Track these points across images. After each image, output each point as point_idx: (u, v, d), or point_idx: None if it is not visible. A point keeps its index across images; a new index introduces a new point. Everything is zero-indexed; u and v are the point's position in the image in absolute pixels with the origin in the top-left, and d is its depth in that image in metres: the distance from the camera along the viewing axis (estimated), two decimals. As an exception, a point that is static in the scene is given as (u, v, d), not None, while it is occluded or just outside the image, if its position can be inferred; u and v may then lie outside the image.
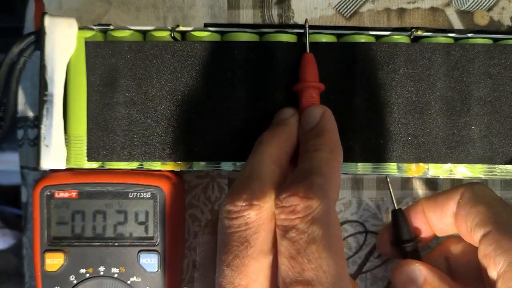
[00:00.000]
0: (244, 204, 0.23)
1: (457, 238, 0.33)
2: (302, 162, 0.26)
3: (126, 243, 0.33)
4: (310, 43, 0.31)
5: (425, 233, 0.33)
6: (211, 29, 0.32)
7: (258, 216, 0.23)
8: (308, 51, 0.31)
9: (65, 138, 0.32)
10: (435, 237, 0.34)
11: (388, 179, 0.34)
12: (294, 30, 0.32)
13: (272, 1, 0.38)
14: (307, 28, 0.31)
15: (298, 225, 0.22)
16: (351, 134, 0.32)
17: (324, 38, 0.32)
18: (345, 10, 0.37)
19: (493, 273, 0.27)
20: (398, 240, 0.33)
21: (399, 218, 0.33)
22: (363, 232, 0.38)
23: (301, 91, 0.30)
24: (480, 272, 0.29)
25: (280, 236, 0.23)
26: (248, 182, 0.24)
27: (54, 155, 0.32)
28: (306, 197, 0.23)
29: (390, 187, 0.34)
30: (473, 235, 0.29)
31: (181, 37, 0.33)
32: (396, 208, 0.33)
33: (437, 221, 0.32)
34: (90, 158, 0.32)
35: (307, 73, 0.30)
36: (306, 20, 0.31)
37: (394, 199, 0.34)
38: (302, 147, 0.27)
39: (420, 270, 0.30)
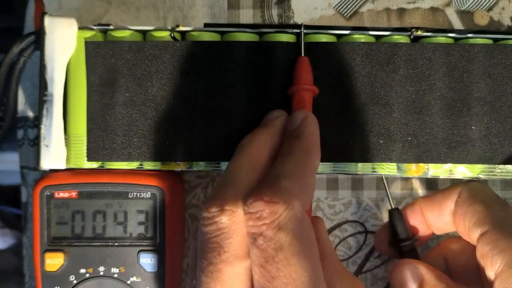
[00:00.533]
0: (216, 210, 0.23)
1: (455, 238, 0.33)
2: (274, 166, 0.25)
3: (126, 243, 0.33)
4: (310, 43, 0.31)
5: (423, 232, 0.33)
6: (211, 29, 0.32)
7: (230, 221, 0.23)
8: (303, 55, 0.31)
9: (65, 138, 0.32)
10: (433, 236, 0.34)
11: (384, 178, 0.34)
12: (294, 30, 0.32)
13: (272, 1, 0.38)
14: (302, 32, 0.31)
15: (265, 232, 0.22)
16: (351, 134, 0.32)
17: (324, 38, 0.32)
18: (345, 10, 0.37)
19: (490, 272, 0.27)
20: (395, 239, 0.33)
21: (396, 217, 0.33)
22: (363, 232, 0.38)
23: (293, 94, 0.30)
24: (478, 272, 0.29)
25: (250, 244, 0.22)
26: (223, 188, 0.24)
27: (54, 155, 0.32)
28: (271, 201, 0.22)
29: (387, 186, 0.34)
30: (471, 234, 0.29)
31: (181, 37, 0.33)
32: (393, 207, 0.33)
33: (435, 219, 0.32)
34: (90, 158, 0.32)
35: (300, 76, 0.30)
36: (302, 24, 0.31)
37: (390, 198, 0.34)
38: (279, 151, 0.27)
39: (417, 269, 0.30)
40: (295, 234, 0.22)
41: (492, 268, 0.27)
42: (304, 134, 0.27)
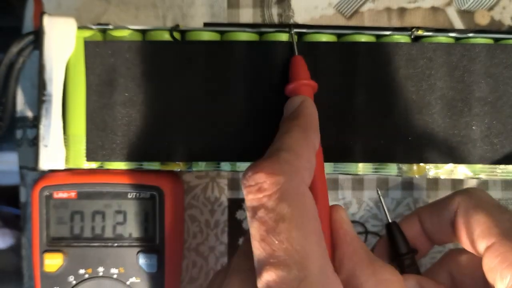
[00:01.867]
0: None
1: (459, 250, 0.31)
2: (273, 142, 0.25)
3: (125, 244, 0.33)
4: (310, 42, 0.31)
5: (423, 244, 0.32)
6: (211, 28, 0.32)
7: None
8: (296, 54, 0.31)
9: (64, 138, 0.32)
10: (433, 247, 0.33)
11: (379, 193, 0.33)
12: (295, 30, 0.32)
13: (272, 0, 0.37)
14: (293, 34, 0.31)
15: (266, 203, 0.21)
16: (351, 134, 0.32)
17: (324, 37, 0.32)
18: (346, 9, 0.37)
19: (500, 286, 0.26)
20: (395, 253, 0.32)
21: (394, 231, 0.32)
22: (363, 232, 0.38)
23: (293, 91, 0.29)
24: (486, 285, 0.28)
25: (250, 219, 0.22)
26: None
27: (53, 155, 0.32)
28: (273, 172, 0.21)
29: (382, 200, 0.33)
30: (476, 246, 0.28)
31: (181, 37, 0.32)
32: (390, 221, 0.32)
33: (435, 231, 0.31)
34: (89, 158, 0.32)
35: (298, 73, 0.30)
36: (291, 25, 0.31)
37: (387, 213, 0.33)
38: (278, 131, 0.26)
39: (418, 285, 0.29)
40: (297, 206, 0.21)
41: (502, 282, 0.26)
42: (303, 114, 0.26)
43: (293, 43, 0.31)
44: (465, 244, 0.29)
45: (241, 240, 0.38)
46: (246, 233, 0.38)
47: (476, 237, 0.28)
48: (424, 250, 0.32)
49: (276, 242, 0.20)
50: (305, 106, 0.27)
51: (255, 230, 0.21)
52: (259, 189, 0.21)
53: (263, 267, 0.20)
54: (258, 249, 0.21)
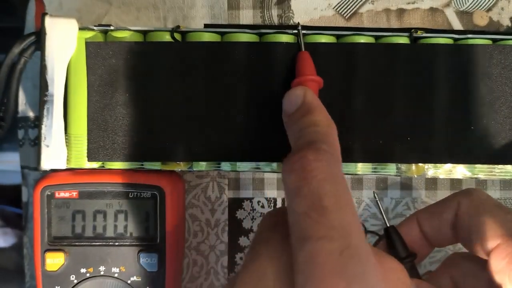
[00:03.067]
0: None
1: (460, 255, 0.31)
2: (302, 137, 0.25)
3: (126, 243, 0.33)
4: (309, 43, 0.32)
5: (422, 247, 0.31)
6: (211, 29, 0.32)
7: None
8: (303, 49, 0.31)
9: (66, 138, 0.32)
10: (433, 250, 0.32)
11: (376, 196, 0.33)
12: (293, 31, 0.32)
13: (272, 2, 0.38)
14: (300, 30, 0.31)
15: (310, 183, 0.22)
16: (350, 135, 0.32)
17: (324, 38, 0.32)
18: (345, 10, 0.37)
19: None
20: (394, 257, 0.31)
21: (393, 235, 0.31)
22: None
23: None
24: (491, 287, 0.27)
25: (292, 197, 0.22)
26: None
27: (54, 155, 0.32)
28: (317, 159, 0.23)
29: (380, 204, 0.33)
30: (480, 248, 0.27)
31: (181, 38, 0.33)
32: (388, 225, 0.32)
33: (435, 233, 0.30)
34: (90, 158, 0.32)
35: (304, 68, 0.30)
36: (298, 23, 0.31)
37: (385, 216, 0.33)
38: (294, 127, 0.27)
39: None
40: (338, 187, 0.22)
41: (511, 284, 0.25)
42: (317, 108, 0.27)
43: (300, 39, 0.31)
44: (468, 246, 0.29)
45: (241, 240, 0.39)
46: (245, 232, 0.38)
47: (481, 239, 0.27)
48: (423, 253, 0.32)
49: (320, 216, 0.21)
50: (313, 99, 0.28)
51: (297, 206, 0.22)
52: (303, 171, 0.22)
53: (306, 239, 0.21)
54: (300, 224, 0.22)
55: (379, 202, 0.33)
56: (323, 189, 0.22)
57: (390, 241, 0.31)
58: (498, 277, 0.26)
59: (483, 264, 0.27)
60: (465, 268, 0.29)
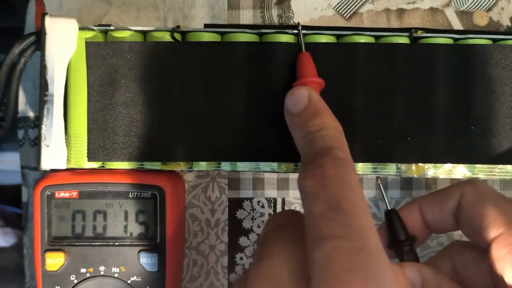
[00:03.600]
0: None
1: (462, 242, 0.31)
2: (314, 141, 0.26)
3: (127, 243, 0.33)
4: (309, 43, 0.32)
5: (421, 232, 0.32)
6: (211, 29, 0.32)
7: None
8: (304, 51, 0.31)
9: (66, 138, 0.32)
10: (432, 236, 0.33)
11: (378, 180, 0.34)
12: (293, 31, 0.32)
13: (272, 2, 0.38)
14: (300, 30, 0.31)
15: (329, 187, 0.23)
16: (350, 135, 0.32)
17: (324, 38, 0.32)
18: (345, 10, 0.37)
19: (509, 277, 0.26)
20: (394, 240, 0.32)
21: (393, 218, 0.32)
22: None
23: None
24: (491, 276, 0.28)
25: (309, 200, 0.23)
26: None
27: (54, 155, 0.32)
28: (335, 166, 0.23)
29: (382, 188, 0.33)
30: (482, 237, 0.28)
31: (182, 38, 0.33)
32: (389, 208, 0.32)
33: (436, 220, 0.31)
34: (90, 158, 0.32)
35: (305, 70, 0.30)
36: (298, 23, 0.31)
37: (386, 200, 0.33)
38: (301, 128, 0.27)
39: (417, 272, 0.29)
40: (355, 190, 0.23)
41: (511, 272, 0.26)
42: (323, 109, 0.28)
43: (300, 39, 0.31)
44: (469, 234, 0.30)
45: (241, 240, 0.39)
46: (245, 232, 0.38)
47: (483, 227, 0.28)
48: (422, 238, 0.32)
49: (337, 217, 0.22)
50: (318, 100, 0.28)
51: (314, 208, 0.23)
52: (322, 177, 0.23)
53: (324, 238, 0.21)
54: (317, 224, 0.22)
55: (381, 186, 0.33)
56: (341, 193, 0.22)
57: (390, 224, 0.32)
58: (499, 265, 0.27)
59: (484, 253, 0.28)
60: (466, 255, 0.30)
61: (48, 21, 0.32)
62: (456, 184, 0.31)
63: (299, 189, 0.24)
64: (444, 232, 0.32)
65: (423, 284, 0.28)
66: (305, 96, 0.28)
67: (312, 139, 0.26)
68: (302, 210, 0.36)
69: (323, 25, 0.37)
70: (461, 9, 0.37)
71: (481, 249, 0.29)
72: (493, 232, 0.27)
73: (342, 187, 0.23)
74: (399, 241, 0.32)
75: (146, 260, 0.33)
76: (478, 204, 0.29)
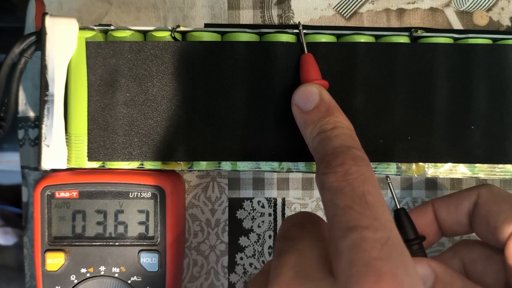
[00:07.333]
0: None
1: (472, 241, 0.32)
2: (329, 140, 0.26)
3: (127, 243, 0.33)
4: (310, 43, 0.32)
5: (431, 233, 0.32)
6: (211, 29, 0.32)
7: None
8: (306, 52, 0.31)
9: (66, 138, 0.32)
10: (440, 239, 0.33)
11: (388, 179, 0.34)
12: (294, 31, 0.32)
13: (272, 2, 0.38)
14: (301, 30, 0.31)
15: (352, 183, 0.23)
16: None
17: (324, 38, 0.32)
18: (345, 10, 0.37)
19: None
20: (403, 239, 0.32)
21: (403, 217, 0.32)
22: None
23: None
24: (504, 274, 0.28)
25: (333, 193, 0.24)
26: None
27: (55, 155, 0.32)
28: (356, 164, 0.24)
29: (392, 187, 0.33)
30: (498, 234, 0.28)
31: (182, 38, 0.33)
32: (399, 207, 0.32)
33: (450, 221, 0.31)
34: (90, 158, 0.32)
35: (309, 71, 0.30)
36: (299, 22, 0.32)
37: (396, 199, 0.33)
38: (314, 126, 0.28)
39: (429, 268, 0.29)
40: (376, 187, 0.24)
41: None
42: (334, 108, 0.28)
43: (302, 40, 0.31)
44: (483, 233, 0.30)
45: (241, 240, 0.39)
46: (245, 232, 0.38)
47: (499, 225, 0.28)
48: (431, 240, 0.32)
49: (363, 209, 0.22)
50: (330, 99, 0.29)
51: (340, 201, 0.23)
52: (345, 173, 0.24)
53: (351, 228, 0.22)
54: (343, 215, 0.23)
55: (391, 185, 0.33)
56: (365, 188, 0.23)
57: (399, 222, 0.32)
58: None
59: (495, 252, 0.29)
60: (476, 253, 0.30)
61: (49, 21, 0.32)
62: (472, 186, 0.31)
63: (319, 185, 0.25)
64: (456, 234, 0.32)
65: (436, 279, 0.28)
66: (316, 94, 0.28)
67: (328, 137, 0.27)
68: (302, 210, 0.37)
69: (323, 24, 0.38)
70: (461, 9, 0.37)
71: (492, 247, 0.29)
72: (510, 228, 0.28)
73: (365, 183, 0.23)
74: (408, 240, 0.31)
75: (146, 260, 0.33)
76: (495, 203, 0.29)
